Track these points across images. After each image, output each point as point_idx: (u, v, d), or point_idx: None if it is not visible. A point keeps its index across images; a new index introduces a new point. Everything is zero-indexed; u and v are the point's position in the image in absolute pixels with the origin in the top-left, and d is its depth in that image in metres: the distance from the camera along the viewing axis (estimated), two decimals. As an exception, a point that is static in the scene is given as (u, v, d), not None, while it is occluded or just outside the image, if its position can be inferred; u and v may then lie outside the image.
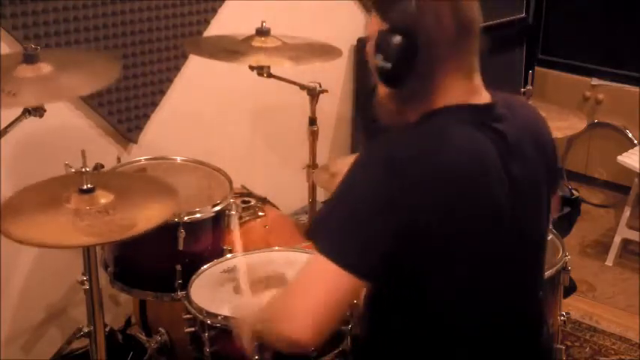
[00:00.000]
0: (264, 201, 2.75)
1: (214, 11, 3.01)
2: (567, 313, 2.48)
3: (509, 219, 1.46)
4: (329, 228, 1.41)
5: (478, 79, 1.50)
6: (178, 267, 2.27)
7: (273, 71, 2.64)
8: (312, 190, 2.90)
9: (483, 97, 1.51)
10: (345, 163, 2.71)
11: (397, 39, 1.42)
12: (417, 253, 1.39)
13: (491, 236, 1.46)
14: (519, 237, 1.51)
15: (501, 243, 1.48)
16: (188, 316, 2.06)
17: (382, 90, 1.52)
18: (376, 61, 1.46)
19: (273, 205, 2.81)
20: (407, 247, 1.37)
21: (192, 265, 2.24)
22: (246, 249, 2.23)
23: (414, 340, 1.51)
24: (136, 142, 2.87)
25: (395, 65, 1.43)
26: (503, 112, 1.50)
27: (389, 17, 1.45)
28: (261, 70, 2.61)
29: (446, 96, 1.46)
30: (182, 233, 2.24)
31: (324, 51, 2.72)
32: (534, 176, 1.53)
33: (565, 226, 3.65)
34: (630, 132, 4.17)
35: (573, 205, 3.76)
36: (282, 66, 2.62)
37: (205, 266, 2.24)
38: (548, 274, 2.20)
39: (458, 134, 1.43)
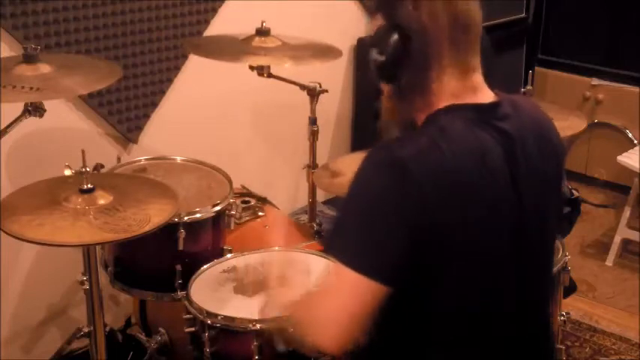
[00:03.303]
0: (264, 201, 2.74)
1: (214, 11, 3.01)
2: (567, 313, 2.48)
3: (513, 216, 1.47)
4: (345, 236, 1.42)
5: (478, 78, 1.51)
6: (178, 267, 2.27)
7: (273, 71, 2.64)
8: (312, 190, 2.90)
9: (486, 96, 1.51)
10: (345, 163, 2.73)
11: (391, 33, 1.45)
12: (428, 253, 1.39)
13: (496, 234, 1.46)
14: (525, 235, 1.51)
15: (506, 241, 1.48)
16: (188, 316, 2.06)
17: (385, 88, 1.54)
18: (372, 55, 1.48)
19: (273, 205, 2.81)
20: (420, 247, 1.38)
21: (192, 265, 2.24)
22: (246, 249, 2.23)
23: (413, 340, 1.51)
24: (136, 142, 2.87)
25: (388, 58, 1.45)
26: (507, 111, 1.51)
27: (386, 14, 1.48)
28: (261, 70, 2.61)
29: (444, 93, 1.47)
30: (182, 233, 2.24)
31: (324, 51, 2.72)
32: (539, 174, 1.53)
33: (565, 226, 3.65)
34: (630, 132, 4.16)
35: (573, 205, 3.75)
36: (282, 66, 2.62)
37: (205, 266, 2.24)
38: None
39: (460, 133, 1.43)
